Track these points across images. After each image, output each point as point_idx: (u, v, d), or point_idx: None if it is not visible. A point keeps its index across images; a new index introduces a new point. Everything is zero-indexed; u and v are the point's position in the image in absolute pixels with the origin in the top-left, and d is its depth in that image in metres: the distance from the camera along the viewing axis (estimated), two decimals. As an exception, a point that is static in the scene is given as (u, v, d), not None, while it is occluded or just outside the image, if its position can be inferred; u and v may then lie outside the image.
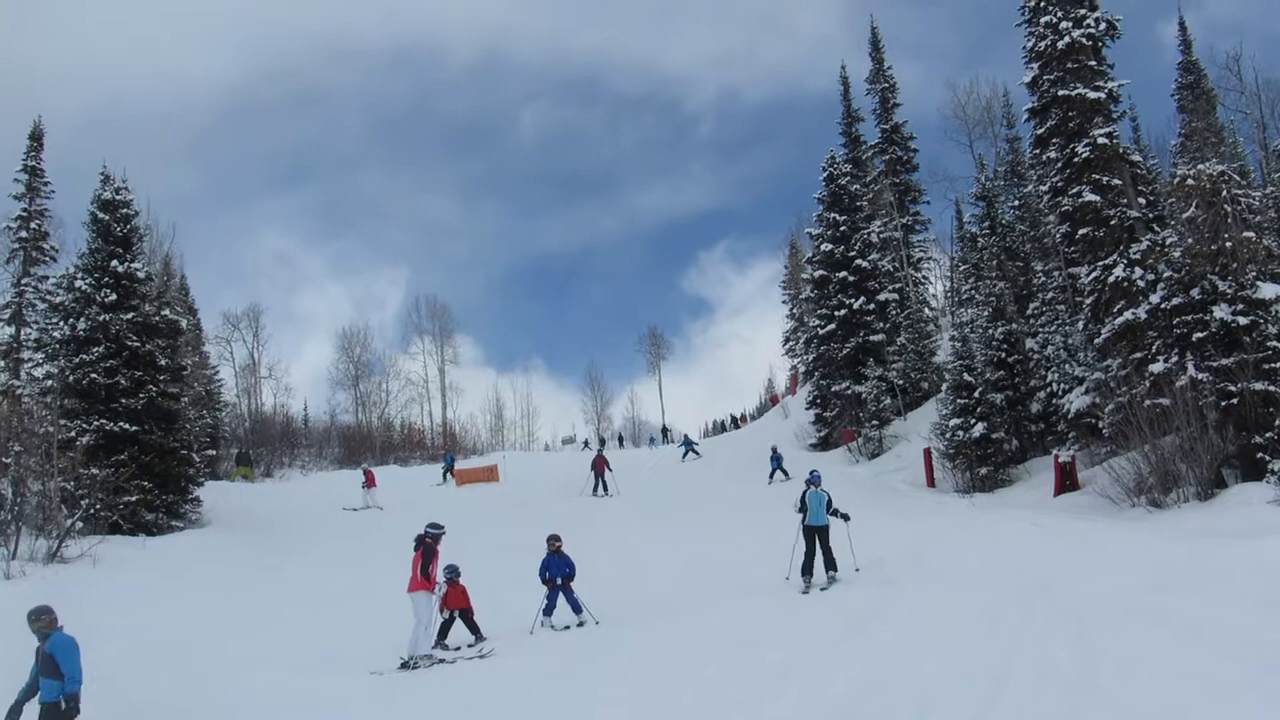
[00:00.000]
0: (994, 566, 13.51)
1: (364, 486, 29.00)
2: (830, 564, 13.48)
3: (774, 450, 31.05)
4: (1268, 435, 15.96)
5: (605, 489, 29.00)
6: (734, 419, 58.19)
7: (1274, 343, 16.49)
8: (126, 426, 20.61)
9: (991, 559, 14.22)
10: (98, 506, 18.29)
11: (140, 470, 20.39)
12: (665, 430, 58.56)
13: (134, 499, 19.79)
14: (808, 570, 13.45)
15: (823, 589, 13.16)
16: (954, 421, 25.32)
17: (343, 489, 30.33)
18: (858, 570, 13.64)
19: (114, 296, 21.79)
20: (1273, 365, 16.36)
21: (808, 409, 38.39)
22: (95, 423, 20.47)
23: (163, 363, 22.15)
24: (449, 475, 35.32)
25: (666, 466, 37.75)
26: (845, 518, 13.66)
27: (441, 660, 11.43)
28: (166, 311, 23.32)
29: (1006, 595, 10.85)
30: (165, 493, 21.03)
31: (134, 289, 22.43)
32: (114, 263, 22.14)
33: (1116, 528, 15.76)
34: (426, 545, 12.01)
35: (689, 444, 40.81)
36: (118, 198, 22.96)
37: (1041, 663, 7.68)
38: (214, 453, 35.92)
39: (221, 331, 54.54)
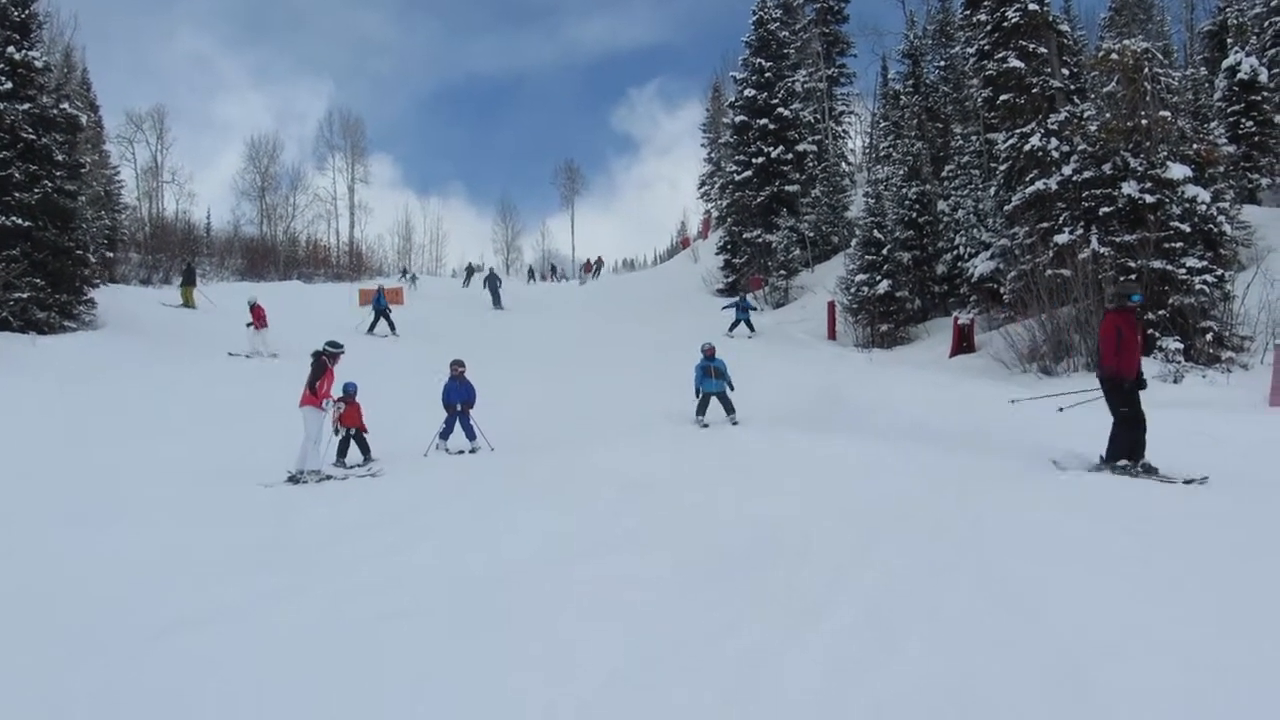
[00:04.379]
0: (881, 418, 13.98)
1: (249, 326, 22.15)
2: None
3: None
4: (1160, 313, 16.60)
5: None
6: (589, 264, 56.73)
7: (1176, 223, 16.97)
8: (19, 221, 19.63)
9: (880, 411, 14.67)
10: (-14, 300, 17.58)
11: (33, 267, 19.65)
12: (484, 272, 49.50)
13: (25, 296, 19.12)
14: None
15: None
16: (860, 277, 25.72)
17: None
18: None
19: (9, 85, 20.42)
20: (1173, 245, 16.89)
21: (717, 254, 38.42)
22: (-15, 215, 19.41)
23: (60, 158, 20.94)
24: (386, 322, 26.61)
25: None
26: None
27: (329, 477, 11.41)
28: (65, 105, 21.79)
29: (893, 447, 11.16)
30: (59, 292, 20.29)
31: (31, 79, 20.96)
32: (10, 49, 20.59)
33: (1007, 391, 16.30)
34: (321, 362, 11.91)
35: (744, 308, 27.54)
36: (16, -20, 21.03)
37: (913, 517, 7.75)
38: (111, 255, 34.34)
39: (124, 131, 52.07)
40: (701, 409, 14.86)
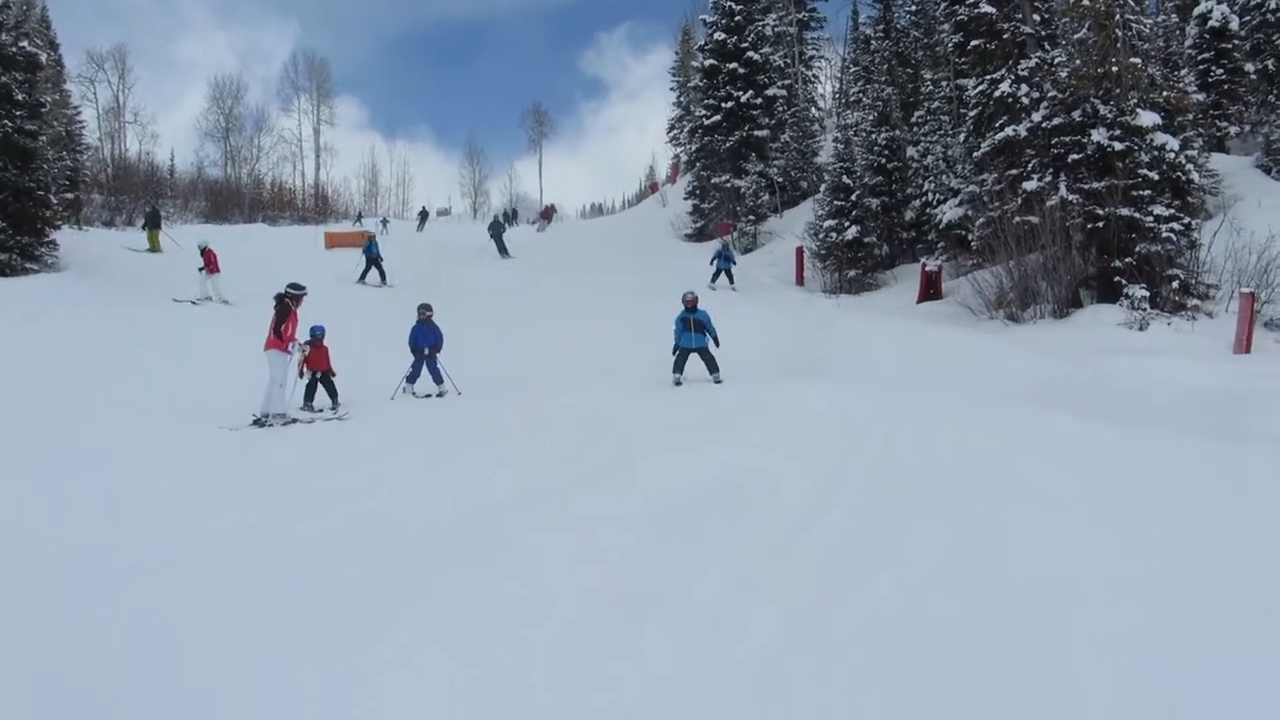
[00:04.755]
0: (849, 365, 14.03)
1: (201, 271, 20.76)
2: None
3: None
4: (1126, 260, 16.66)
5: None
6: (546, 210, 54.47)
7: (1145, 171, 16.98)
8: (-22, 161, 19.09)
9: (849, 358, 14.74)
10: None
11: (-7, 208, 19.10)
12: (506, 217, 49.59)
13: (-15, 237, 18.65)
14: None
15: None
16: (829, 223, 25.62)
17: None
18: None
19: (-36, 22, 19.55)
20: (1140, 193, 16.90)
21: (686, 199, 38.13)
22: (-58, 156, 18.80)
23: (19, 97, 20.15)
24: (377, 271, 25.59)
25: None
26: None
27: (295, 420, 11.40)
28: (25, 43, 21.08)
29: (860, 394, 11.07)
30: (20, 233, 19.76)
31: (-12, 15, 20.22)
32: (-36, -15, 19.76)
33: (972, 337, 16.38)
34: (284, 305, 11.78)
35: (725, 258, 25.90)
36: (-31, -89, 20.14)
37: (881, 464, 7.75)
38: (73, 196, 33.40)
39: (85, 71, 51.03)
40: (679, 365, 13.24)
